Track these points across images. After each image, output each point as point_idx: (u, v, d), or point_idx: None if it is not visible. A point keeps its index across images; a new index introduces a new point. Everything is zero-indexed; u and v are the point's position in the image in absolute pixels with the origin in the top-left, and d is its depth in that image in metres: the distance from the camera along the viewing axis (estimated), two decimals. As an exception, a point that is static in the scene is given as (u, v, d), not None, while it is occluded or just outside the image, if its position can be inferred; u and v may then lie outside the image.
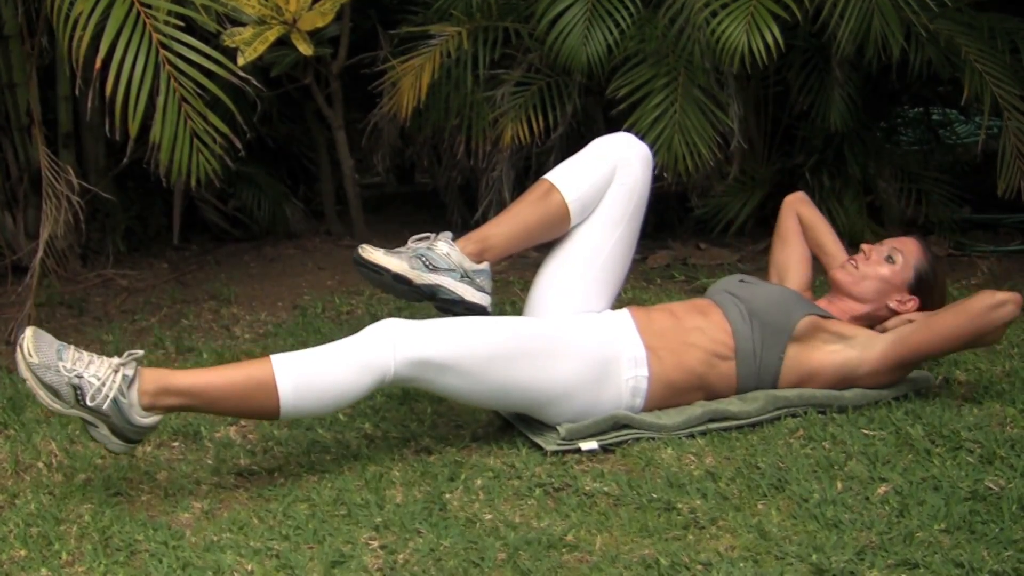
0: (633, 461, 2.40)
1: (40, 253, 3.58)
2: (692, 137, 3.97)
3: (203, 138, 3.33)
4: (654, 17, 4.10)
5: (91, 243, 4.50)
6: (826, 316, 2.64)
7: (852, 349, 2.61)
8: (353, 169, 4.96)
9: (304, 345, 3.07)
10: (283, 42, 4.15)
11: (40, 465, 2.53)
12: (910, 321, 2.65)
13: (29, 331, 2.24)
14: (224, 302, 3.97)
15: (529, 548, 2.02)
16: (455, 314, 2.54)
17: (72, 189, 3.64)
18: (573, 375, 2.47)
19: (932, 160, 4.90)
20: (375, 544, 2.07)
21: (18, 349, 2.22)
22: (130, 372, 2.25)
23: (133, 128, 3.25)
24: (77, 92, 3.46)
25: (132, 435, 2.27)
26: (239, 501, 2.32)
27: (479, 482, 2.32)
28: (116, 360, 2.25)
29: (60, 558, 2.07)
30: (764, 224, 4.37)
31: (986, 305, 2.51)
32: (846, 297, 2.75)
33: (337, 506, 2.25)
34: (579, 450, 2.45)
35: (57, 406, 2.22)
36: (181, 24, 3.33)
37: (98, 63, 3.23)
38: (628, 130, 3.85)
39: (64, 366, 2.21)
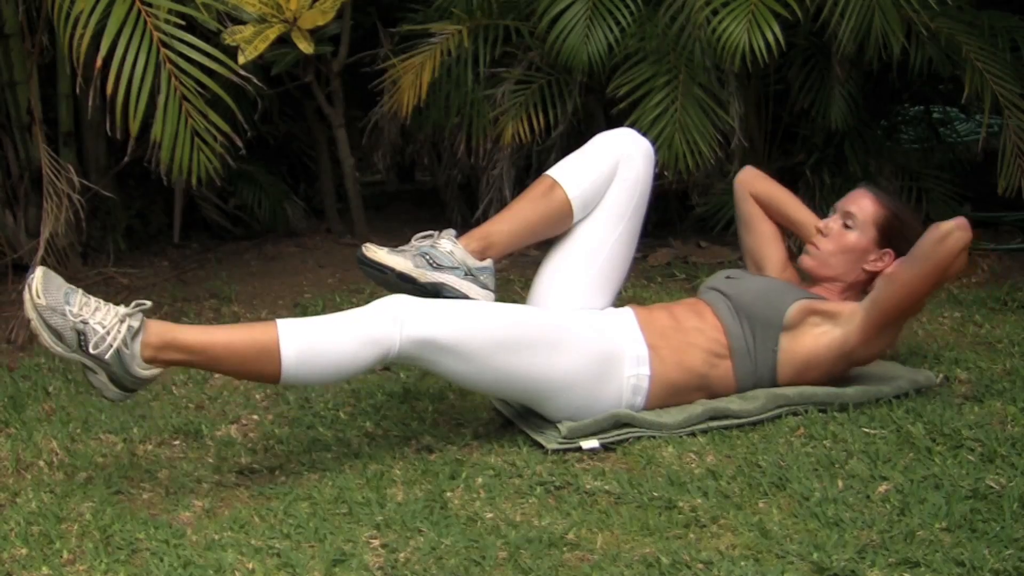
0: (634, 459, 2.40)
1: (41, 251, 3.59)
2: (693, 135, 3.96)
3: (204, 136, 3.33)
4: (655, 15, 4.10)
5: (92, 241, 4.50)
6: (814, 298, 2.63)
7: (837, 327, 2.58)
8: (354, 167, 4.96)
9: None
10: (284, 40, 4.16)
11: (41, 463, 2.53)
12: (885, 276, 2.63)
13: (39, 271, 2.24)
14: (225, 300, 3.97)
15: (530, 546, 2.02)
16: None
17: (73, 187, 3.64)
18: (575, 367, 2.47)
19: (932, 158, 4.89)
20: (376, 543, 2.07)
21: (26, 288, 2.22)
22: (136, 323, 2.24)
23: (134, 127, 3.25)
24: (78, 91, 3.46)
25: (130, 384, 2.26)
26: (240, 499, 2.32)
27: (480, 480, 2.32)
28: (123, 309, 2.24)
29: (61, 556, 2.07)
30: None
31: (933, 240, 2.49)
32: (822, 279, 2.73)
33: (338, 504, 2.25)
34: (580, 448, 2.44)
35: (59, 349, 2.21)
36: (182, 23, 3.34)
37: (99, 62, 3.24)
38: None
39: (71, 310, 2.21)
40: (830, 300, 2.65)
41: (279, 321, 2.33)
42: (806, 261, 2.76)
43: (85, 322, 2.21)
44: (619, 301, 2.80)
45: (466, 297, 2.54)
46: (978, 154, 4.26)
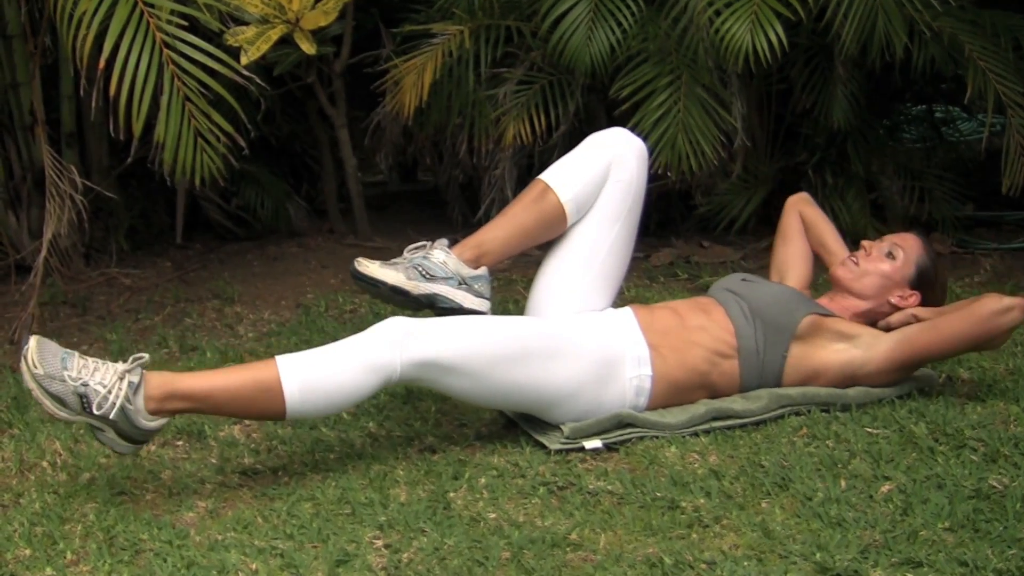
0: (637, 460, 2.40)
1: (44, 252, 3.58)
2: (695, 136, 3.96)
3: (207, 137, 3.33)
4: (657, 16, 4.09)
5: (94, 242, 4.50)
6: (828, 314, 2.64)
7: (856, 348, 2.60)
8: (356, 168, 4.96)
9: (308, 344, 3.08)
10: (286, 41, 4.15)
11: (45, 464, 2.53)
12: (913, 316, 2.65)
13: (33, 341, 2.23)
14: (227, 301, 3.98)
15: (533, 547, 2.02)
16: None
17: (75, 188, 3.64)
18: (577, 375, 2.47)
19: (935, 157, 4.89)
20: (379, 543, 2.08)
21: (23, 360, 2.22)
22: (136, 379, 2.25)
23: (137, 127, 3.26)
24: (81, 92, 3.46)
25: (138, 437, 2.28)
26: (243, 500, 2.32)
27: (483, 481, 2.32)
28: (121, 366, 2.25)
29: (65, 557, 2.08)
30: (767, 222, 4.37)
31: (993, 310, 2.51)
32: (847, 294, 2.74)
33: (341, 505, 2.25)
34: (583, 449, 2.45)
35: (64, 414, 2.21)
36: (184, 23, 3.34)
37: (102, 63, 3.24)
38: (631, 129, 3.87)
39: (69, 375, 2.20)
40: (843, 319, 2.66)
41: (279, 358, 2.33)
42: (840, 271, 2.77)
43: (86, 384, 2.21)
44: (621, 301, 2.80)
45: (461, 306, 2.54)
46: (981, 153, 4.26)
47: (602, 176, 2.68)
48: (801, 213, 2.99)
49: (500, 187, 4.51)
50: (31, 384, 2.20)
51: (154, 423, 2.26)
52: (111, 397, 2.21)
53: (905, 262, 2.73)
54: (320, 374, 2.32)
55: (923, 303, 2.71)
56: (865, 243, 2.79)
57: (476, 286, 2.58)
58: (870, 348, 2.60)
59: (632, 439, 2.48)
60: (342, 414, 2.76)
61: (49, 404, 2.20)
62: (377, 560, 2.01)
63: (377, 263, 2.54)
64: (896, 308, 2.71)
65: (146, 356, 2.29)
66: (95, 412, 2.21)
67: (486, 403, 2.52)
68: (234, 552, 2.05)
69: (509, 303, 3.65)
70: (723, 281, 2.81)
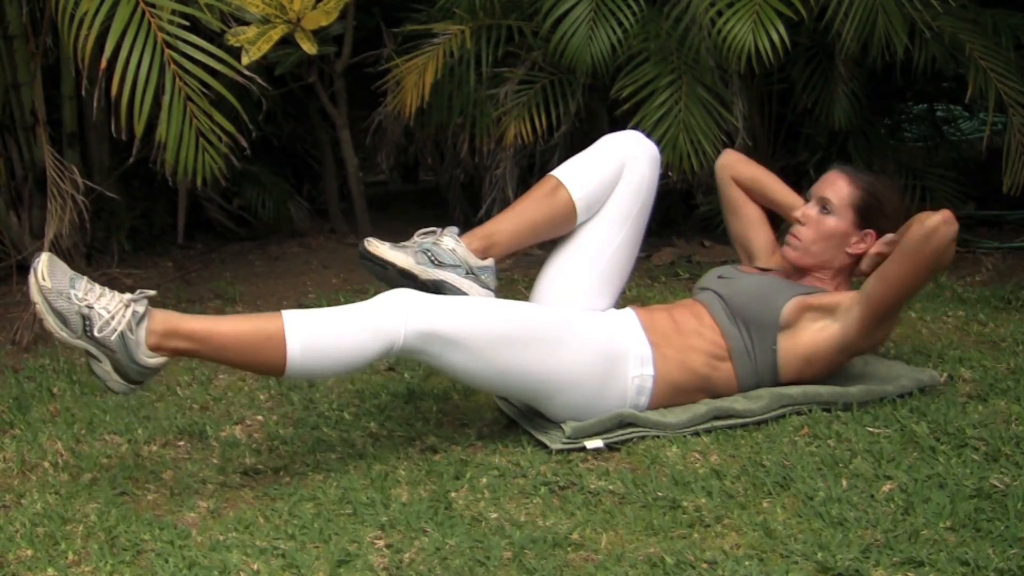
0: (638, 459, 2.40)
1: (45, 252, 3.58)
2: (697, 135, 3.97)
3: (209, 137, 3.34)
4: (658, 16, 4.10)
5: (96, 242, 4.51)
6: (807, 292, 2.62)
7: (835, 322, 2.56)
8: (357, 167, 4.97)
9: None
10: (287, 41, 4.16)
11: (46, 465, 2.53)
12: (878, 256, 2.61)
13: (44, 256, 2.23)
14: (229, 301, 3.98)
15: (534, 547, 2.02)
16: None
17: (77, 188, 3.65)
18: (579, 365, 2.47)
19: (936, 156, 4.89)
20: (381, 543, 2.08)
21: (31, 272, 2.21)
22: (140, 309, 2.24)
23: (139, 127, 3.26)
24: (83, 92, 3.46)
25: (134, 375, 2.25)
26: (245, 500, 2.32)
27: (484, 481, 2.32)
28: (128, 296, 2.25)
29: (66, 558, 2.08)
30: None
31: (920, 237, 2.44)
32: (808, 268, 2.72)
33: (343, 505, 2.25)
34: (584, 448, 2.45)
35: (63, 334, 2.20)
36: (186, 24, 3.34)
37: (103, 63, 3.24)
38: (633, 129, 3.87)
39: (76, 294, 2.20)
40: (824, 291, 2.64)
41: (285, 312, 2.33)
42: (789, 253, 2.73)
43: (90, 307, 2.20)
44: (623, 301, 2.80)
45: (467, 295, 2.54)
46: (982, 152, 4.25)
47: (614, 177, 2.68)
48: (736, 179, 2.93)
49: (501, 187, 4.51)
50: (36, 297, 2.19)
51: (152, 360, 2.25)
52: (113, 323, 2.20)
53: (840, 209, 2.67)
54: (324, 332, 2.31)
55: (881, 233, 2.66)
56: (797, 213, 2.73)
57: (483, 277, 2.58)
58: (845, 317, 2.55)
59: (633, 439, 2.48)
60: (343, 414, 2.76)
61: (51, 321, 2.20)
62: (379, 560, 2.01)
63: (387, 245, 2.54)
64: (859, 256, 2.68)
65: (153, 291, 2.29)
66: (95, 335, 2.20)
67: (486, 384, 2.50)
68: (236, 552, 2.05)
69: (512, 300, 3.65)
70: (702, 280, 2.80)
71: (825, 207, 2.69)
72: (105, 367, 2.23)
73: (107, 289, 2.25)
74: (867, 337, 2.57)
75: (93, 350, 2.22)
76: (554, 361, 2.44)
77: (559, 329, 2.48)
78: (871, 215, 2.67)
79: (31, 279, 2.20)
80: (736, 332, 2.59)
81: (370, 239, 2.56)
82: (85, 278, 2.25)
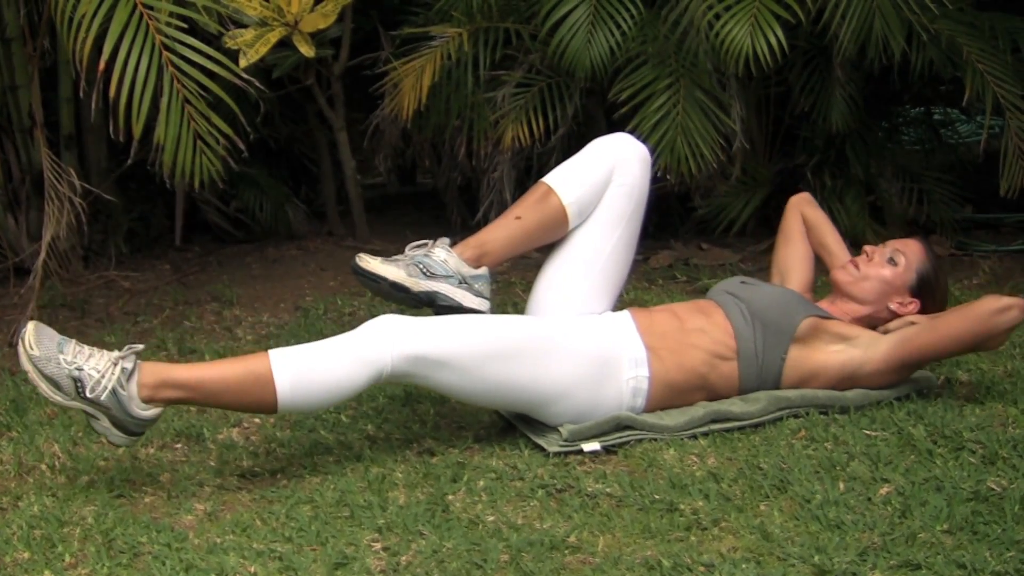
0: (635, 462, 2.40)
1: (42, 255, 3.59)
2: (695, 138, 3.97)
3: (206, 139, 3.33)
4: (656, 19, 4.10)
5: (93, 245, 4.51)
6: (828, 317, 2.64)
7: (855, 349, 2.60)
8: (355, 170, 4.96)
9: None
10: (285, 44, 4.16)
11: (43, 467, 2.53)
12: (911, 323, 2.65)
13: (31, 325, 2.28)
14: (226, 304, 3.98)
15: (532, 549, 2.02)
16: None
17: (74, 191, 3.64)
18: (570, 375, 2.47)
19: (934, 160, 4.90)
20: (378, 546, 2.08)
21: (20, 342, 2.27)
22: (129, 365, 2.28)
23: (137, 130, 3.26)
24: (82, 94, 3.46)
25: (133, 427, 2.30)
26: (242, 503, 2.32)
27: (482, 483, 2.32)
28: (116, 354, 2.29)
29: (63, 560, 2.07)
30: (766, 224, 4.37)
31: (991, 310, 2.51)
32: (847, 298, 2.74)
33: (340, 508, 2.25)
34: (581, 451, 2.45)
35: (58, 398, 2.26)
36: (184, 26, 3.34)
37: (102, 65, 3.24)
38: (631, 132, 3.87)
39: (64, 359, 2.25)
40: (842, 322, 2.66)
41: (271, 352, 2.36)
42: (840, 275, 2.76)
43: (80, 368, 2.25)
44: (620, 303, 2.80)
45: (460, 305, 2.55)
46: (979, 155, 4.26)
47: (605, 180, 2.68)
48: (803, 214, 2.98)
49: (499, 189, 4.51)
50: (27, 366, 2.25)
51: (148, 412, 2.29)
52: (104, 381, 2.25)
53: (906, 268, 2.72)
54: (311, 367, 2.34)
55: (923, 311, 2.70)
56: (867, 248, 2.78)
57: (476, 285, 2.58)
58: (869, 349, 2.60)
59: (631, 441, 2.48)
60: (340, 417, 2.76)
61: (44, 387, 2.25)
62: (376, 563, 2.01)
63: (378, 259, 2.56)
64: (895, 315, 2.71)
65: (140, 346, 2.34)
66: (88, 395, 2.24)
67: (478, 400, 2.51)
68: (233, 555, 2.05)
69: (508, 306, 3.65)
70: (723, 284, 2.81)
71: (893, 259, 2.73)
72: (104, 424, 2.29)
73: (95, 349, 2.30)
74: (880, 375, 2.61)
75: (89, 410, 2.28)
76: (544, 372, 2.45)
77: (546, 340, 2.49)
78: (925, 289, 2.73)
79: (20, 348, 2.27)
80: (749, 334, 2.59)
81: (362, 254, 2.58)
82: (73, 341, 2.30)
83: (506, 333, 2.46)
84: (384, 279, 2.53)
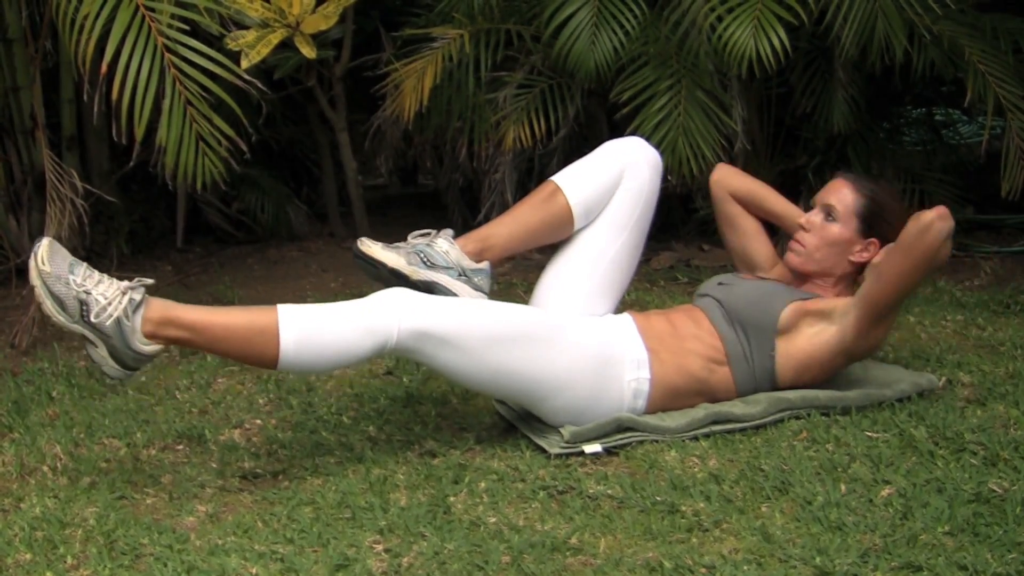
0: (637, 464, 2.40)
1: (44, 256, 3.59)
2: (696, 139, 3.97)
3: (208, 141, 3.34)
4: (658, 20, 4.10)
5: (95, 246, 4.51)
6: (804, 298, 2.62)
7: (832, 325, 2.56)
8: (356, 171, 4.97)
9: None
10: (286, 45, 4.16)
11: (45, 468, 2.53)
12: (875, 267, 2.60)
13: (45, 241, 2.28)
14: (228, 304, 3.98)
15: (533, 551, 2.02)
16: None
17: (76, 192, 3.65)
18: (572, 367, 2.47)
19: (935, 160, 4.90)
20: (379, 547, 2.08)
21: (32, 257, 2.26)
22: (137, 296, 2.27)
23: (139, 131, 3.27)
24: (86, 97, 3.46)
25: (130, 361, 2.29)
26: (243, 504, 2.32)
27: (483, 485, 2.32)
28: (126, 283, 2.28)
29: (65, 562, 2.08)
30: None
31: (915, 233, 2.43)
32: (810, 276, 2.72)
33: (341, 509, 2.25)
34: (583, 453, 2.45)
35: (61, 318, 2.25)
36: (186, 28, 3.34)
37: (104, 67, 3.24)
38: (632, 133, 3.88)
39: (74, 280, 2.25)
40: (822, 297, 2.64)
41: (280, 306, 2.35)
42: (792, 259, 2.73)
43: (88, 292, 2.24)
44: (621, 305, 2.80)
45: (457, 296, 2.55)
46: (981, 156, 4.26)
47: (613, 183, 2.68)
48: (732, 192, 2.92)
49: (500, 191, 4.51)
50: (36, 281, 2.25)
51: (148, 347, 2.28)
52: (109, 308, 2.24)
53: (845, 217, 2.67)
54: (318, 328, 2.33)
55: (885, 242, 2.65)
56: (801, 220, 2.73)
57: (476, 279, 2.58)
58: (842, 320, 2.55)
59: (632, 443, 2.49)
60: (342, 418, 2.76)
61: (49, 304, 2.24)
62: (377, 564, 2.01)
63: (379, 245, 2.56)
64: (862, 264, 2.67)
65: (150, 280, 2.33)
66: (91, 320, 2.24)
67: (480, 384, 2.49)
68: (234, 556, 2.05)
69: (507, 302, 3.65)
70: (703, 286, 2.80)
71: (830, 214, 2.69)
72: (101, 352, 2.27)
73: (106, 276, 2.29)
74: (863, 339, 2.56)
75: (89, 335, 2.26)
76: (546, 362, 2.45)
77: (551, 331, 2.49)
78: (875, 223, 2.67)
79: (31, 262, 2.25)
80: (734, 337, 2.59)
81: (364, 239, 2.58)
82: (84, 264, 2.29)
83: (513, 318, 2.47)
84: (383, 265, 2.53)
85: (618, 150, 2.72)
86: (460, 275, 2.57)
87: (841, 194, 2.69)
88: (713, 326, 2.61)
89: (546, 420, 2.54)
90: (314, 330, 2.32)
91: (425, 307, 2.37)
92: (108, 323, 2.24)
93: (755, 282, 2.76)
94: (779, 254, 2.90)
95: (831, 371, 2.62)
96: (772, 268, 2.86)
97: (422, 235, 2.62)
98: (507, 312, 2.48)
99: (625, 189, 2.68)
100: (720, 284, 2.74)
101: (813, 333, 2.58)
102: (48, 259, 2.25)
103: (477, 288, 2.59)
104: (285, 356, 2.31)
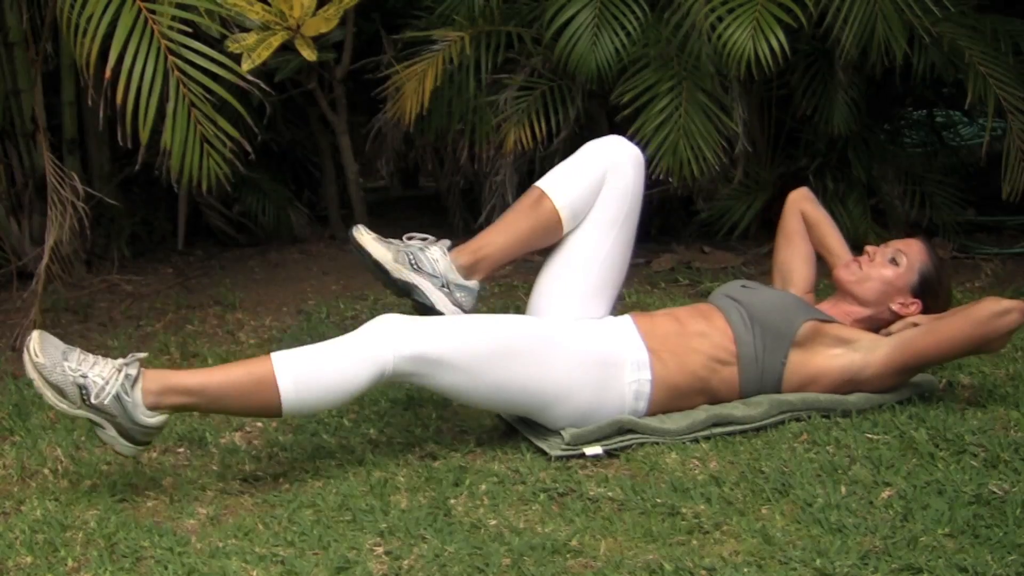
0: (637, 466, 2.40)
1: (45, 259, 3.59)
2: (697, 141, 3.97)
3: (213, 143, 3.34)
4: (659, 22, 4.10)
5: (96, 249, 4.51)
6: (828, 320, 2.64)
7: (855, 352, 2.60)
8: (357, 173, 4.97)
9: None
10: (287, 47, 4.16)
11: (46, 471, 2.54)
12: (914, 325, 2.65)
13: (35, 334, 2.31)
14: (229, 307, 3.98)
15: (533, 553, 2.02)
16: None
17: (77, 195, 3.65)
18: (571, 376, 2.47)
19: (936, 162, 4.90)
20: (380, 550, 2.08)
21: (25, 350, 2.28)
22: (133, 371, 2.29)
23: (144, 134, 3.27)
24: (90, 101, 3.47)
25: (139, 436, 2.31)
26: (244, 507, 2.33)
27: (484, 487, 2.32)
28: (120, 361, 2.31)
29: (66, 565, 2.08)
30: (768, 227, 4.36)
31: (991, 312, 2.50)
32: (849, 298, 2.74)
33: (342, 512, 2.25)
34: (583, 455, 2.45)
35: (64, 405, 2.27)
36: (189, 30, 3.35)
37: (108, 71, 3.25)
38: (633, 135, 3.89)
39: (69, 366, 2.27)
40: (843, 325, 2.66)
41: (273, 354, 2.37)
42: (842, 273, 2.76)
43: (84, 375, 2.28)
44: (622, 307, 2.80)
45: (434, 306, 2.56)
46: (982, 158, 4.26)
47: (598, 183, 2.68)
48: (803, 212, 2.97)
49: (501, 193, 4.51)
50: (33, 373, 2.27)
51: (153, 419, 2.30)
52: (108, 387, 2.26)
53: (908, 269, 2.72)
54: (314, 368, 2.35)
55: (925, 311, 2.70)
56: (869, 248, 2.78)
57: (458, 294, 2.59)
58: (869, 352, 2.60)
59: (632, 445, 2.49)
60: (343, 420, 2.76)
61: (50, 394, 2.27)
62: (378, 567, 2.01)
63: (373, 236, 2.59)
64: (897, 316, 2.71)
65: (143, 354, 2.35)
66: (93, 402, 2.26)
67: (481, 402, 2.51)
68: (235, 559, 2.05)
69: (511, 308, 3.66)
70: (724, 287, 2.81)
71: (895, 259, 2.73)
72: (110, 433, 2.31)
73: (100, 357, 2.32)
74: (880, 379, 2.61)
75: (95, 418, 2.29)
76: (546, 373, 2.45)
77: (548, 341, 2.49)
78: (927, 289, 2.72)
79: (25, 357, 2.29)
80: (749, 339, 2.59)
81: (359, 226, 2.62)
82: (77, 350, 2.32)
83: (508, 333, 2.47)
84: (369, 255, 2.56)
85: (600, 150, 2.73)
86: (443, 286, 2.58)
87: (914, 249, 2.75)
88: (728, 326, 2.61)
89: (549, 427, 2.54)
90: (310, 371, 2.35)
91: (419, 331, 2.38)
92: (108, 400, 2.27)
93: (780, 291, 2.81)
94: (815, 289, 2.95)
95: (834, 391, 2.63)
96: (804, 295, 2.87)
97: (420, 238, 2.64)
98: (502, 326, 2.48)
99: (611, 188, 2.69)
100: (744, 287, 2.76)
101: (832, 354, 2.61)
102: (40, 351, 2.28)
103: (456, 303, 2.60)
104: (287, 402, 2.34)
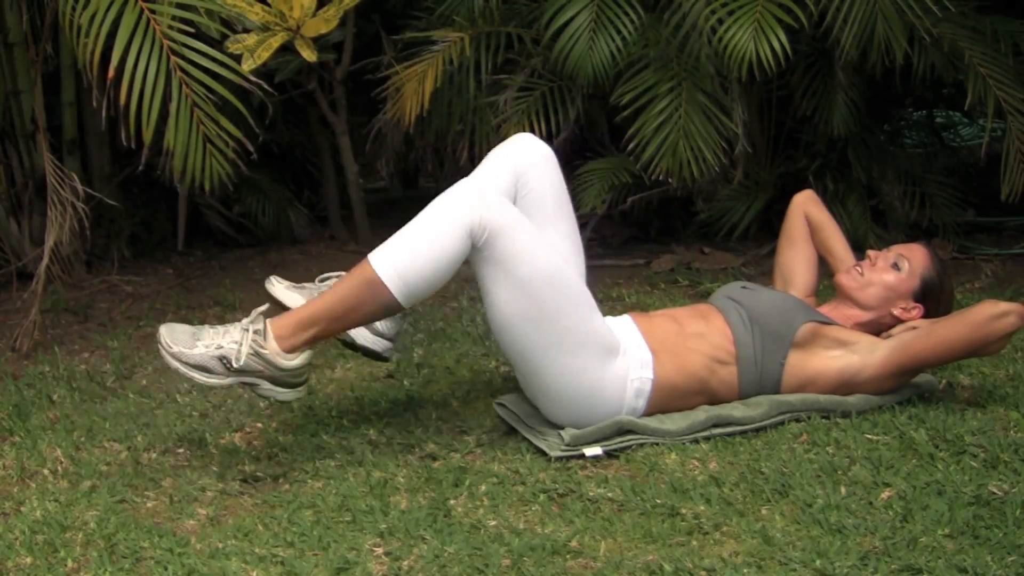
0: (637, 466, 2.41)
1: (45, 259, 3.59)
2: (697, 142, 3.97)
3: (216, 143, 3.34)
4: (658, 23, 4.10)
5: (96, 249, 4.51)
6: (828, 322, 2.64)
7: (854, 355, 2.60)
8: (357, 174, 4.96)
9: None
10: (287, 48, 4.16)
11: (46, 472, 2.54)
12: (914, 329, 2.65)
13: (162, 328, 2.38)
14: (229, 308, 3.98)
15: (533, 554, 2.03)
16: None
17: (77, 195, 3.65)
18: (586, 343, 2.48)
19: (936, 163, 4.89)
20: (380, 551, 2.08)
21: (159, 346, 2.35)
22: (260, 326, 2.38)
23: (147, 135, 3.27)
24: (94, 102, 3.47)
25: (291, 380, 2.41)
26: (244, 508, 2.33)
27: (483, 488, 2.32)
28: (245, 320, 2.39)
29: (66, 565, 2.08)
30: (768, 228, 4.37)
31: (988, 315, 2.51)
32: (850, 302, 2.74)
33: (342, 512, 2.25)
34: (583, 456, 2.45)
35: (214, 380, 2.35)
36: (190, 31, 3.35)
37: (111, 72, 3.25)
38: (633, 136, 3.90)
39: (203, 344, 2.35)
40: (842, 327, 2.66)
41: (370, 255, 2.42)
42: (844, 278, 2.77)
43: (220, 347, 2.35)
44: (622, 307, 2.80)
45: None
46: (981, 159, 4.25)
47: (511, 195, 2.71)
48: (807, 215, 2.98)
49: (501, 193, 4.50)
50: (173, 363, 2.34)
51: (295, 360, 2.40)
52: (243, 348, 2.34)
53: (910, 274, 2.73)
54: (409, 250, 2.41)
55: (927, 316, 2.70)
56: (871, 252, 2.78)
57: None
58: (868, 354, 2.60)
59: (632, 446, 2.49)
60: (343, 421, 2.77)
61: (198, 376, 2.34)
62: (378, 568, 2.02)
63: (285, 284, 2.67)
64: (899, 320, 2.71)
65: (265, 306, 2.43)
66: (236, 367, 2.33)
67: (504, 324, 2.47)
68: (235, 560, 2.05)
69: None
70: (724, 288, 2.81)
71: (897, 264, 2.73)
72: (266, 387, 2.40)
73: (227, 325, 2.40)
74: (878, 381, 2.61)
75: (246, 380, 2.38)
76: (572, 325, 2.47)
77: (589, 302, 2.52)
78: (929, 295, 2.73)
79: (161, 352, 2.36)
80: (748, 340, 2.59)
81: (271, 278, 2.69)
82: (206, 326, 2.40)
83: (567, 274, 2.51)
84: (284, 308, 2.59)
85: (505, 157, 2.80)
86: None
87: (916, 254, 2.76)
88: (728, 326, 2.62)
89: (546, 414, 2.55)
90: (407, 255, 2.40)
91: (502, 203, 2.46)
92: (247, 360, 2.34)
93: (780, 293, 2.81)
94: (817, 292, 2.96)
95: (832, 393, 2.63)
96: (806, 298, 2.87)
97: (336, 277, 2.66)
98: (565, 267, 2.53)
99: (522, 197, 2.71)
100: (744, 288, 2.76)
101: (831, 356, 2.61)
102: (171, 340, 2.35)
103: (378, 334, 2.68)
104: (400, 294, 2.39)
